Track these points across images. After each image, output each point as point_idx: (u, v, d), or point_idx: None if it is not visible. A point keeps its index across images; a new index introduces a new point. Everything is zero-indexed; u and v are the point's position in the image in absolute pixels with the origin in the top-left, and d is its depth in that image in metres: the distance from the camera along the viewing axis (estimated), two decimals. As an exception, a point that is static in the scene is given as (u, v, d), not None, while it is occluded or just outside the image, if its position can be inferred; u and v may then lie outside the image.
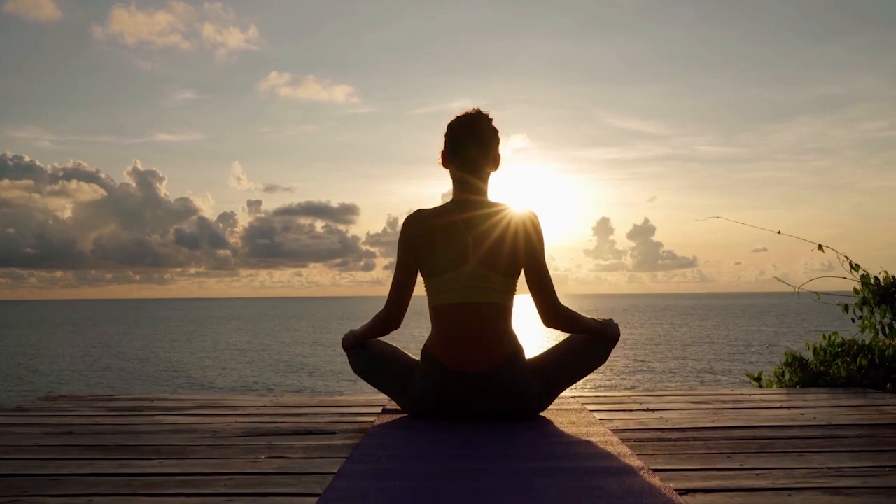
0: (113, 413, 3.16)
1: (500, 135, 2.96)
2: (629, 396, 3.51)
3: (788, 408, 3.15)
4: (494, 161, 2.94)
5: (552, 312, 2.89)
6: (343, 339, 3.18)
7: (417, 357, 3.01)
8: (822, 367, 4.02)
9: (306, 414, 3.13)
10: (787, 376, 4.18)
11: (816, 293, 4.20)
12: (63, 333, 72.53)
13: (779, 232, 4.51)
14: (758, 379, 4.34)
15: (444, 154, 2.95)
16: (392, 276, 2.94)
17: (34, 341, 58.64)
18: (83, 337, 64.80)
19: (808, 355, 4.26)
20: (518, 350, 2.88)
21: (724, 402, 3.34)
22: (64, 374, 34.14)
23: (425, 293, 2.94)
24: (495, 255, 2.81)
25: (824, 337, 4.23)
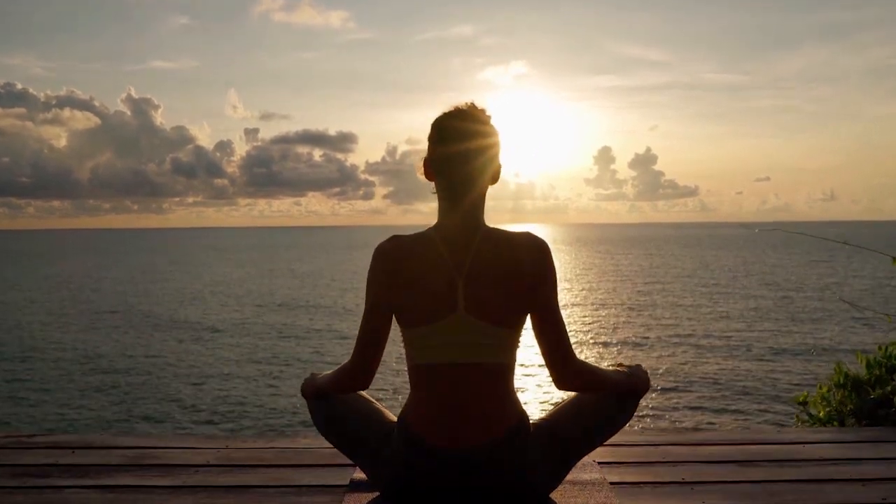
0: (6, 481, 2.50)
1: (499, 136, 2.24)
2: (654, 450, 2.83)
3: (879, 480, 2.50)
4: (494, 173, 2.23)
5: (568, 371, 2.20)
6: (302, 386, 2.53)
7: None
8: (879, 390, 3.36)
9: (253, 486, 2.48)
10: (837, 399, 3.53)
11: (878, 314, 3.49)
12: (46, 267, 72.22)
13: (845, 243, 3.79)
14: (803, 403, 3.68)
15: (426, 162, 2.23)
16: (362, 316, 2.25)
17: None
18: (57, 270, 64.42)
19: (860, 368, 3.60)
20: (522, 419, 2.21)
21: (776, 457, 2.69)
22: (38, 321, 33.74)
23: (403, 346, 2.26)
24: (494, 299, 2.12)
25: (880, 348, 3.56)
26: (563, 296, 41.30)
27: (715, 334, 26.18)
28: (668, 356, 22.19)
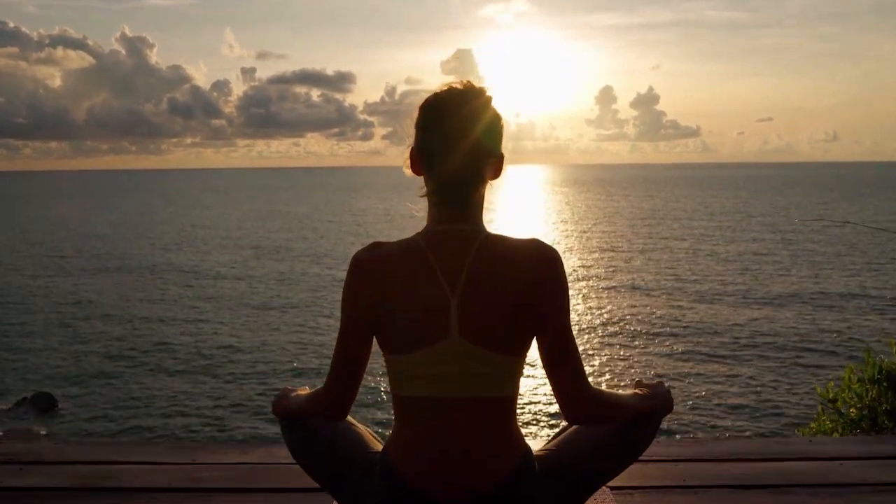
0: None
1: (503, 121, 1.87)
2: (671, 468, 2.50)
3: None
4: (496, 166, 1.86)
5: (582, 404, 1.86)
6: (273, 403, 2.21)
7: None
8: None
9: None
10: (868, 396, 3.21)
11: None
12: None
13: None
14: (833, 401, 3.37)
15: (413, 153, 1.87)
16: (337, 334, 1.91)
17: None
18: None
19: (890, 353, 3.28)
20: (527, 457, 1.89)
21: (811, 480, 2.38)
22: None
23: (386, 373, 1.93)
24: (494, 321, 1.77)
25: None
26: (562, 241, 41.05)
27: (712, 279, 25.95)
28: (665, 304, 21.98)
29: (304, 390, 2.16)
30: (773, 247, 34.85)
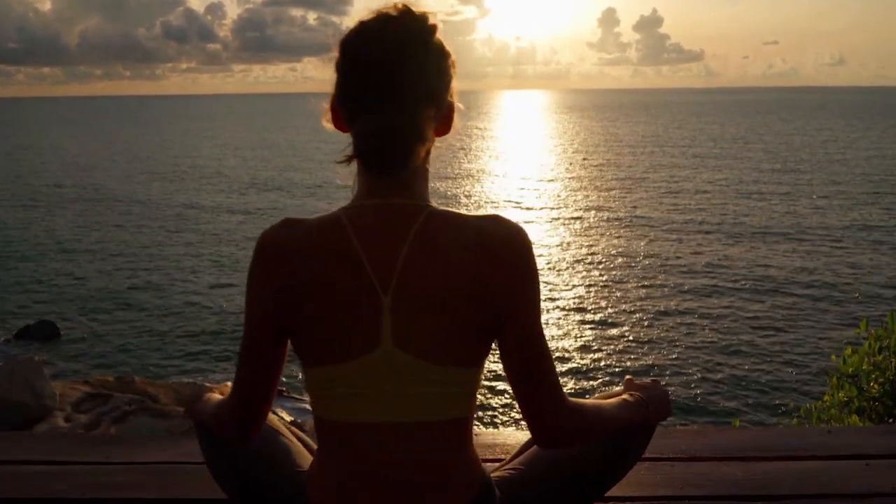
0: None
1: (452, 58, 1.42)
2: (668, 470, 2.12)
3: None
4: (443, 119, 1.42)
5: (557, 421, 1.46)
6: (186, 404, 1.83)
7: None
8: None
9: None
10: (893, 369, 2.82)
11: None
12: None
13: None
14: (853, 376, 2.98)
15: (333, 107, 1.43)
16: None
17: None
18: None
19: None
20: (485, 488, 1.50)
21: (832, 483, 2.01)
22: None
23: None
24: (440, 326, 1.36)
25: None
26: (560, 170, 40.44)
27: (709, 215, 25.46)
28: (661, 240, 21.57)
29: (228, 387, 1.76)
30: (777, 177, 34.26)
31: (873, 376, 2.86)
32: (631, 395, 1.66)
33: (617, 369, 12.04)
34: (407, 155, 1.30)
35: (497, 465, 1.78)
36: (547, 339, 1.41)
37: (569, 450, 1.60)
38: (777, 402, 10.10)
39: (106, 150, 55.05)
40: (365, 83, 1.33)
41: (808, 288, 16.10)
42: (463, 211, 1.39)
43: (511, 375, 1.42)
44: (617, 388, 1.78)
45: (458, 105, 1.44)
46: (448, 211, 1.38)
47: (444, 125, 1.41)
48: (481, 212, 1.41)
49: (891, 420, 2.84)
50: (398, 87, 1.31)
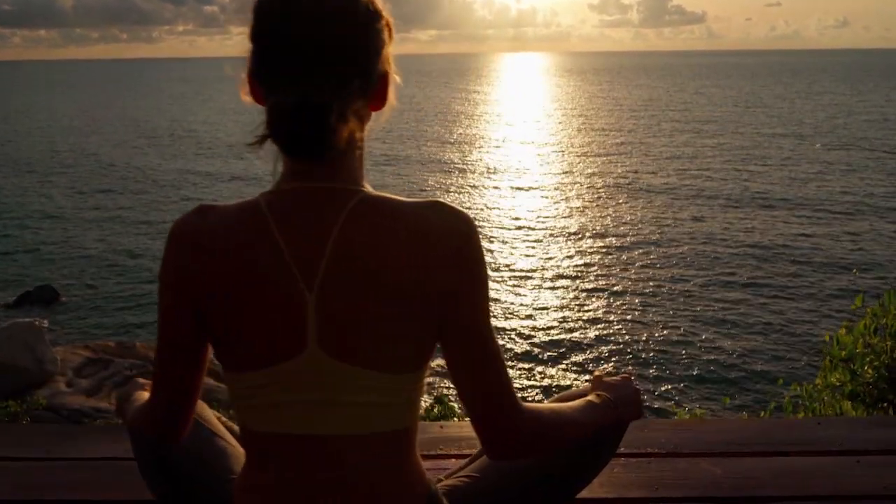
0: None
1: (384, 21, 1.24)
2: (643, 469, 1.97)
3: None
4: (376, 89, 1.25)
5: (512, 430, 1.30)
6: (118, 400, 1.69)
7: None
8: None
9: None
10: (888, 354, 2.67)
11: None
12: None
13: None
14: (846, 360, 2.82)
15: (250, 77, 1.25)
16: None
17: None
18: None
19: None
20: (433, 502, 1.36)
21: (821, 483, 1.87)
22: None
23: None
24: (373, 327, 1.20)
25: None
26: (558, 134, 40.08)
27: (708, 181, 25.21)
28: (657, 206, 21.38)
29: None
30: (778, 142, 33.93)
31: (867, 359, 2.71)
32: (598, 395, 1.51)
33: (605, 343, 11.91)
34: (327, 134, 1.13)
35: (457, 466, 1.64)
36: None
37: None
38: (767, 383, 9.84)
39: (103, 114, 54.59)
40: (277, 53, 1.16)
41: (807, 257, 15.88)
42: (403, 197, 1.23)
43: (455, 382, 1.27)
44: (584, 385, 1.63)
45: (395, 76, 1.27)
46: (383, 196, 1.21)
47: (378, 99, 1.24)
48: (437, 196, 1.24)
49: (885, 405, 2.70)
50: (315, 56, 1.14)
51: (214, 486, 1.51)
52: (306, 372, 1.19)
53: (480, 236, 1.24)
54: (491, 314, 1.28)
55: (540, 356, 11.63)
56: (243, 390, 1.24)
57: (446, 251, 1.19)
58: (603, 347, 11.79)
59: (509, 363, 11.42)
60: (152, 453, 1.57)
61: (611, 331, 12.44)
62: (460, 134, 40.97)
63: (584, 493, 1.68)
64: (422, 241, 1.18)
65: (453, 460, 1.96)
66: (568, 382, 10.66)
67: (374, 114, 1.27)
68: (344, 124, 1.13)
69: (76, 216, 21.18)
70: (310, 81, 1.13)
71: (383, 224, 1.18)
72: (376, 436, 1.22)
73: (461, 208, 1.23)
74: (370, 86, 1.20)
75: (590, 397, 1.49)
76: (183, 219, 1.24)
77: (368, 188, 1.23)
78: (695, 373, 10.80)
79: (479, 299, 1.23)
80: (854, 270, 14.10)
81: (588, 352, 11.68)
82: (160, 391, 1.33)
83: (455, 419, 3.55)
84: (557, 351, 11.79)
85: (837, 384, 2.75)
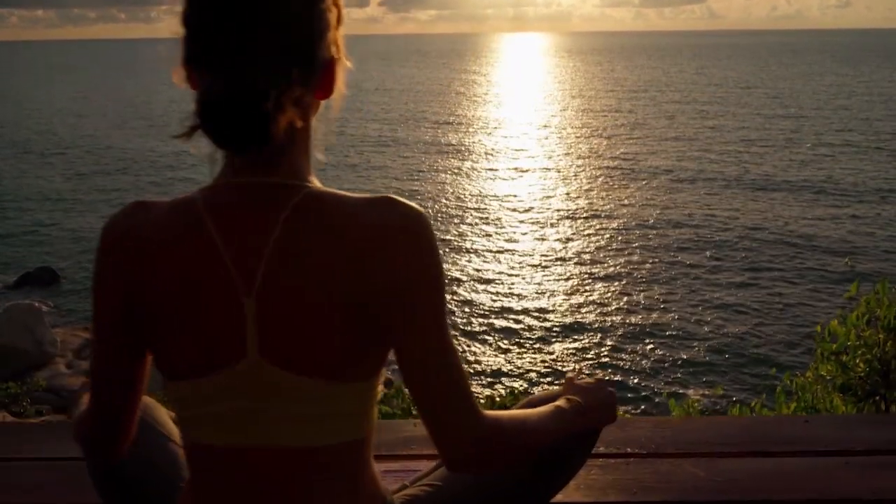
0: None
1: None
2: (622, 470, 1.89)
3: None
4: (323, 76, 1.16)
5: (470, 439, 1.22)
6: (69, 408, 1.61)
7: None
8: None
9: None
10: (880, 347, 2.58)
11: None
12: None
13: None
14: (837, 353, 2.74)
15: (185, 62, 1.15)
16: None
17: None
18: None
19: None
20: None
21: (805, 488, 1.79)
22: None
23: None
24: (319, 332, 1.12)
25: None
26: (560, 115, 39.87)
27: (708, 163, 25.03)
28: (656, 188, 21.25)
29: None
30: (778, 123, 33.71)
31: (859, 352, 2.62)
32: (568, 399, 1.42)
33: (597, 327, 11.83)
34: (260, 125, 1.03)
35: (425, 470, 1.56)
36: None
37: None
38: (762, 368, 9.64)
39: (101, 95, 54.34)
40: (208, 36, 1.07)
41: (806, 240, 15.75)
42: (355, 193, 1.14)
43: (411, 390, 1.19)
44: (555, 389, 1.55)
45: (345, 61, 1.18)
46: (330, 192, 1.13)
47: (324, 86, 1.15)
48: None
49: (877, 398, 2.63)
50: (249, 40, 1.05)
51: (166, 491, 1.43)
52: (247, 381, 1.11)
53: (440, 231, 1.16)
54: (447, 315, 1.19)
55: (533, 338, 11.59)
56: (182, 400, 1.16)
57: (396, 251, 1.10)
58: (595, 331, 11.74)
59: (502, 344, 11.37)
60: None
61: (604, 314, 12.38)
62: (459, 115, 40.75)
63: (560, 497, 1.60)
64: (370, 241, 1.09)
65: (425, 462, 1.88)
66: (559, 365, 10.59)
67: (323, 103, 1.18)
68: (281, 114, 1.04)
69: (75, 197, 21.11)
70: (243, 67, 1.03)
71: (329, 222, 1.10)
72: (326, 448, 1.14)
73: (414, 204, 1.15)
74: (313, 72, 1.11)
75: (559, 402, 1.41)
76: (113, 218, 1.16)
77: (315, 183, 1.14)
78: (688, 357, 10.71)
79: (432, 301, 1.14)
80: (847, 260, 13.75)
81: (581, 334, 11.63)
82: (96, 405, 1.26)
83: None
84: (549, 333, 11.75)
85: (828, 377, 2.68)
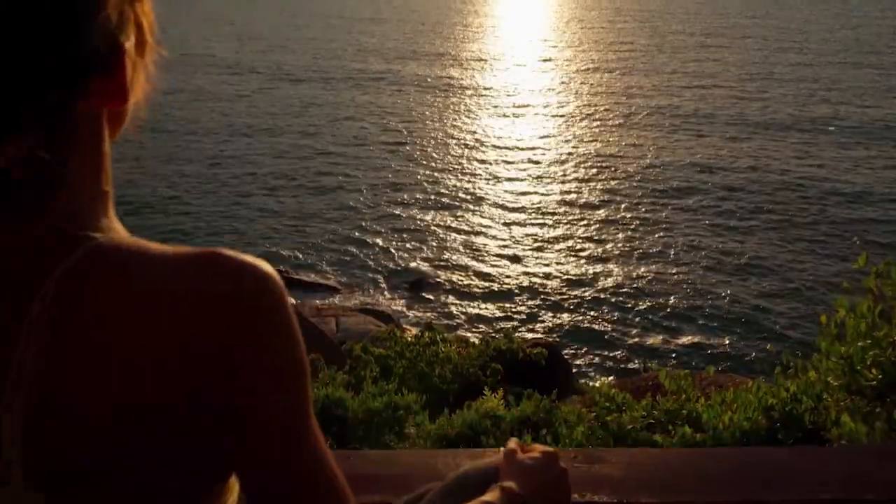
0: None
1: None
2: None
3: None
4: (106, 82, 0.76)
5: None
6: None
7: None
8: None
9: None
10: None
11: None
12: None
13: None
14: (845, 357, 2.37)
15: None
16: None
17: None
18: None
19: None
20: None
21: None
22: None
23: None
24: (109, 450, 0.76)
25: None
26: (556, 51, 38.96)
27: (710, 104, 24.26)
28: (655, 132, 20.63)
29: None
30: (785, 58, 32.74)
31: (870, 354, 2.25)
32: (503, 488, 1.08)
33: (593, 282, 11.46)
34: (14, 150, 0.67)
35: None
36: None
37: None
38: (755, 367, 8.66)
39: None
40: None
41: (817, 187, 14.99)
42: (171, 248, 0.77)
43: None
44: (493, 459, 1.21)
45: (153, 45, 0.80)
46: (130, 246, 0.75)
47: (109, 90, 0.77)
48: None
49: (888, 401, 2.29)
50: None
51: None
52: (9, 509, 0.76)
53: (284, 297, 0.79)
54: (308, 409, 0.83)
55: (526, 285, 11.31)
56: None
57: (224, 331, 0.73)
58: (591, 287, 11.39)
59: (498, 298, 11.07)
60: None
61: (601, 268, 12.02)
62: (456, 51, 39.71)
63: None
64: (186, 319, 0.73)
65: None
66: (555, 319, 10.28)
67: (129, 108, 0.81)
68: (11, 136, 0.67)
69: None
70: None
71: (124, 292, 0.73)
72: None
73: (254, 261, 0.78)
74: (81, 72, 0.73)
75: (487, 496, 1.07)
76: None
77: (112, 230, 0.78)
78: (686, 326, 10.19)
79: (280, 405, 0.79)
80: (855, 240, 12.22)
81: (579, 290, 11.30)
82: None
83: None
84: (544, 281, 11.46)
85: (836, 384, 2.33)
